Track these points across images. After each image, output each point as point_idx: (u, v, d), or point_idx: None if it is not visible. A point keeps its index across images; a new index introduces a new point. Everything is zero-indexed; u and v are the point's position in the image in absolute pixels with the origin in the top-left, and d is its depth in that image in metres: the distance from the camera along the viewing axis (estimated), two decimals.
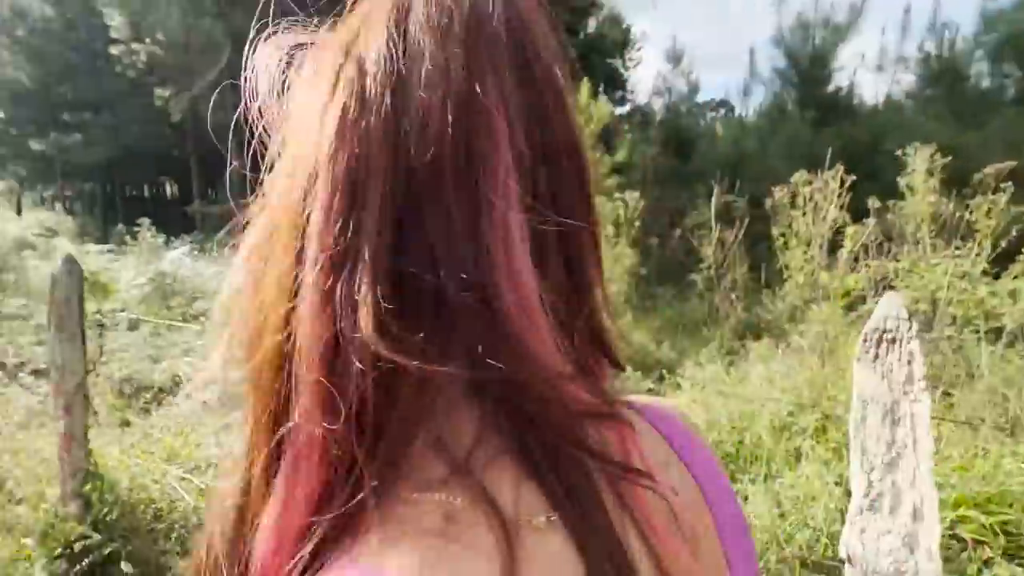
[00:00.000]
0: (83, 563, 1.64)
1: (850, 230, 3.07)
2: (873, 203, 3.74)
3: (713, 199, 5.13)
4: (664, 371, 3.34)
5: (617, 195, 4.25)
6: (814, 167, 3.92)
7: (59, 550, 1.65)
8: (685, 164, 9.64)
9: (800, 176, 3.95)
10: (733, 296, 4.47)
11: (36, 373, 3.88)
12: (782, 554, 1.28)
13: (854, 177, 3.76)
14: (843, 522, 1.34)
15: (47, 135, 17.31)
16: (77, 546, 1.64)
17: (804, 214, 3.74)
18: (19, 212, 13.36)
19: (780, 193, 4.17)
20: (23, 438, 2.44)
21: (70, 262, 1.57)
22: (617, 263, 4.05)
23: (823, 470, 1.48)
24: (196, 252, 8.03)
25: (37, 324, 5.18)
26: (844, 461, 1.55)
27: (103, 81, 17.77)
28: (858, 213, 3.88)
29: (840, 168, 3.74)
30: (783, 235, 4.11)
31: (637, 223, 4.33)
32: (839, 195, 3.74)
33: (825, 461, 1.59)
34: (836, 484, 1.43)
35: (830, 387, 1.97)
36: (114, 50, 15.58)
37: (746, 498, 1.53)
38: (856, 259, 3.21)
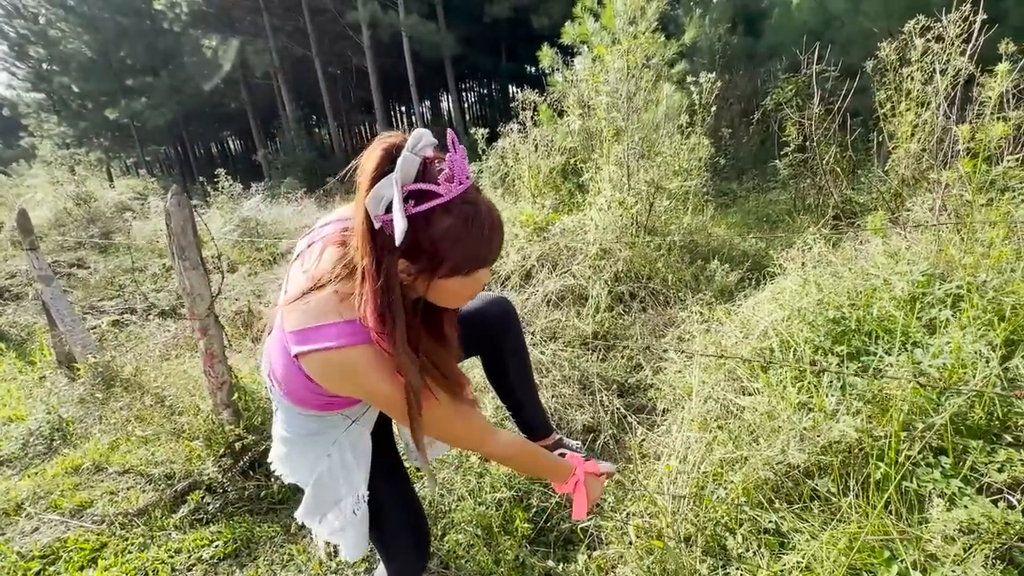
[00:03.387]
0: (244, 459, 1.89)
1: (986, 78, 2.58)
2: (1007, 48, 3.10)
3: (802, 73, 4.50)
4: (753, 262, 3.16)
5: (691, 77, 3.82)
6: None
7: (222, 450, 1.90)
8: (756, 42, 8.47)
9: (914, 24, 3.33)
10: (826, 178, 4.04)
11: (162, 315, 4.39)
12: (929, 421, 1.21)
13: (983, 16, 3.10)
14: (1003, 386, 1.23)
15: (118, 103, 18.21)
16: (237, 446, 1.89)
17: (921, 68, 3.19)
18: (111, 179, 14.53)
19: (887, 49, 3.56)
20: (167, 366, 2.78)
21: (177, 194, 1.66)
22: (692, 154, 3.74)
23: (971, 337, 1.34)
24: (268, 198, 8.43)
25: (152, 274, 5.78)
26: (996, 328, 1.40)
27: (157, 41, 18.12)
28: (987, 63, 3.25)
29: (965, 11, 3.08)
30: (890, 99, 3.56)
31: (713, 108, 3.91)
32: (965, 41, 3.12)
33: (965, 328, 1.45)
34: (992, 349, 1.31)
35: (965, 255, 1.75)
36: (158, 5, 15.62)
37: (879, 370, 1.45)
38: (990, 113, 2.73)
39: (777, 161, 4.95)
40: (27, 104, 22.19)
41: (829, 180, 2.96)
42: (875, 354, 1.51)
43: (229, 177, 7.61)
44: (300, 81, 20.38)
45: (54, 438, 2.35)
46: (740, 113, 7.03)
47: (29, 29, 18.75)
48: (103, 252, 7.49)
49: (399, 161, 0.65)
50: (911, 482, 1.24)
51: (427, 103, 30.54)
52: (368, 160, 0.68)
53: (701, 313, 2.43)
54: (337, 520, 0.95)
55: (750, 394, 1.74)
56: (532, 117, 4.81)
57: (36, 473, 2.11)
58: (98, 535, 1.69)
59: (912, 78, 3.35)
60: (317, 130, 29.35)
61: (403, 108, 31.10)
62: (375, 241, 0.68)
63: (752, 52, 7.94)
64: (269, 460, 1.00)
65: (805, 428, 1.41)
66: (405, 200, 0.66)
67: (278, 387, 0.86)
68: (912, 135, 3.42)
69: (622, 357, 2.47)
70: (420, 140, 0.68)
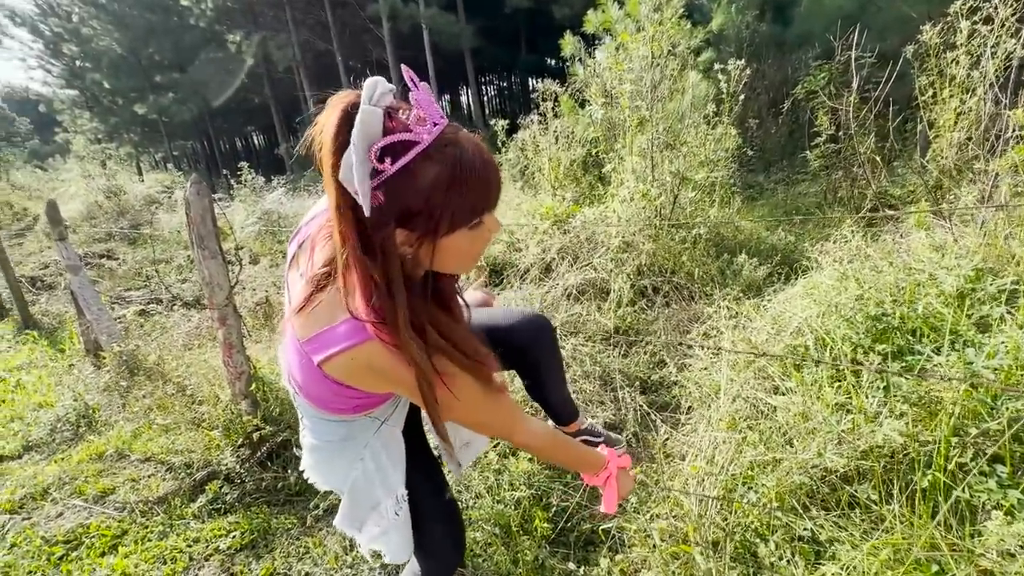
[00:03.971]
0: (262, 450, 1.89)
1: None
2: None
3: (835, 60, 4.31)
4: (781, 256, 3.04)
5: (718, 65, 3.69)
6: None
7: (240, 440, 1.90)
8: (785, 30, 8.18)
9: (960, 5, 3.14)
10: (860, 169, 3.87)
11: (186, 305, 4.46)
12: (984, 427, 1.12)
13: None
14: None
15: (147, 99, 18.66)
16: (255, 436, 1.89)
17: (968, 52, 3.01)
18: (140, 174, 14.92)
19: (929, 33, 3.37)
20: (190, 355, 2.81)
21: (197, 183, 1.65)
22: (719, 145, 3.62)
23: None
24: (290, 191, 8.53)
25: (177, 265, 5.89)
26: None
27: (183, 37, 18.48)
28: None
29: None
30: (932, 85, 3.38)
31: (742, 97, 3.77)
32: (1020, 21, 2.93)
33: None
34: None
35: (1018, 250, 1.63)
36: (184, 0, 15.88)
37: (923, 369, 1.35)
38: None
39: (807, 152, 4.77)
40: (62, 101, 22.94)
41: (867, 170, 2.82)
42: (921, 354, 1.41)
43: (252, 170, 7.71)
44: (322, 75, 20.56)
45: (80, 425, 2.39)
46: (768, 103, 6.81)
47: (63, 27, 19.32)
48: (132, 244, 7.68)
49: (357, 117, 0.56)
50: (963, 491, 1.15)
51: (447, 97, 30.54)
52: (326, 129, 0.58)
53: (728, 308, 2.34)
54: (378, 526, 0.91)
55: (782, 394, 1.66)
56: (553, 108, 4.73)
57: (62, 459, 2.14)
58: (119, 522, 1.70)
59: (957, 63, 3.17)
60: None
61: None
62: (359, 220, 0.60)
63: (781, 40, 7.67)
64: (301, 469, 0.97)
65: (843, 431, 1.32)
66: (379, 159, 0.58)
67: (303, 396, 0.81)
68: (956, 123, 3.24)
69: (645, 353, 2.39)
70: (375, 88, 0.59)
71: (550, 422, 1.60)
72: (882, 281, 1.72)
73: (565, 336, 2.50)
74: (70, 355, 3.49)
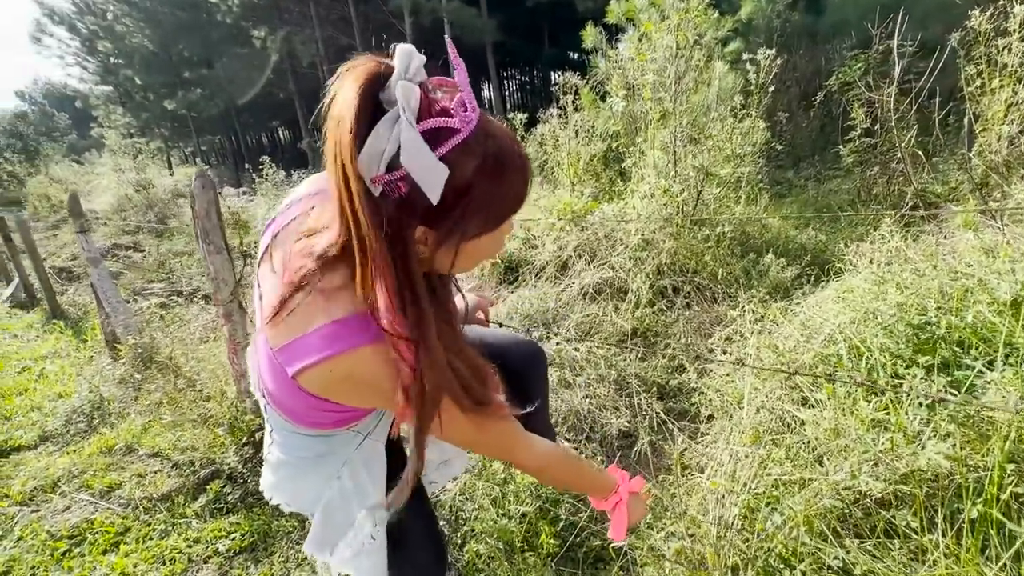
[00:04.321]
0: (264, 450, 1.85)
1: None
2: None
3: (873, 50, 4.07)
4: (811, 256, 2.88)
5: (747, 55, 3.52)
6: None
7: (244, 439, 1.87)
8: (818, 19, 7.84)
9: None
10: (899, 165, 3.66)
11: (205, 298, 4.51)
12: None
13: None
14: None
15: (176, 94, 19.11)
16: (258, 435, 1.85)
17: (1021, 38, 2.79)
18: (170, 168, 15.28)
19: (978, 19, 3.15)
20: (204, 348, 2.82)
21: (202, 176, 1.61)
22: (747, 139, 3.46)
23: None
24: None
25: (199, 258, 5.98)
26: None
27: (211, 34, 18.85)
28: None
29: None
30: (980, 75, 3.16)
31: (771, 89, 3.59)
32: None
33: None
34: None
35: None
36: None
37: (972, 386, 1.22)
38: None
39: (840, 147, 4.55)
40: (97, 97, 23.68)
41: (908, 166, 2.64)
42: (971, 368, 1.28)
43: (274, 165, 7.78)
44: None
45: (94, 416, 2.41)
46: (799, 96, 6.53)
47: (98, 25, 19.91)
48: (159, 236, 7.84)
49: (399, 92, 0.49)
50: (1019, 524, 1.03)
51: None
52: (344, 103, 0.49)
53: (753, 312, 2.21)
54: (350, 547, 0.82)
55: (811, 406, 1.54)
56: (573, 101, 4.61)
57: (74, 451, 2.15)
58: (123, 518, 1.69)
59: (1009, 50, 2.95)
60: None
61: None
62: (380, 213, 0.51)
63: (814, 30, 7.35)
64: (261, 488, 0.88)
65: (881, 451, 1.21)
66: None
67: (275, 408, 0.73)
68: (1006, 115, 3.02)
69: (663, 357, 2.28)
70: (410, 59, 0.51)
71: None
72: (925, 286, 1.58)
73: (580, 337, 2.41)
74: (91, 346, 3.55)
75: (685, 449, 1.78)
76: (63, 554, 1.57)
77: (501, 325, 1.44)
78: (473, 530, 1.44)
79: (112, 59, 20.58)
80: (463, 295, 1.09)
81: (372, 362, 0.58)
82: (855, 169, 4.49)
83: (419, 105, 0.50)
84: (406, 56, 0.51)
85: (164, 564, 1.49)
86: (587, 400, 1.98)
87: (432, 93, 0.53)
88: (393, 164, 0.50)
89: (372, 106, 0.50)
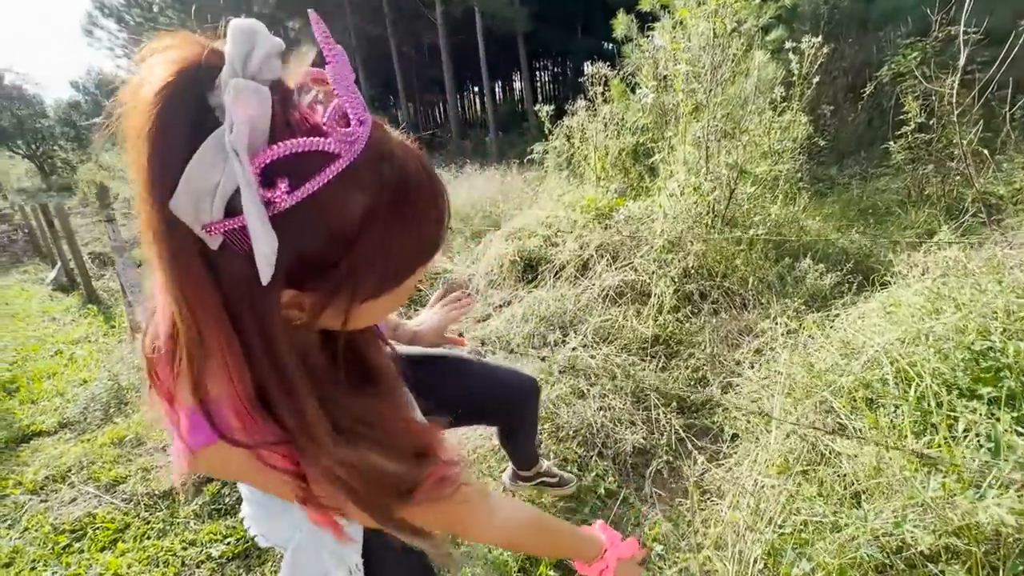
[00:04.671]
0: None
1: None
2: None
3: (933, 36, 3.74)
4: (854, 263, 2.66)
5: (790, 43, 3.28)
6: None
7: None
8: (869, 6, 7.35)
9: None
10: (957, 163, 3.36)
11: None
12: None
13: None
14: None
15: None
16: None
17: None
18: None
19: None
20: None
21: None
22: (786, 134, 3.23)
23: None
24: None
25: None
26: None
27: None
28: None
29: None
30: None
31: (816, 80, 3.34)
32: None
33: None
34: None
35: None
36: None
37: None
38: None
39: (890, 143, 4.23)
40: None
41: (970, 164, 2.39)
42: None
43: None
44: (375, 61, 20.87)
45: (111, 405, 2.44)
46: (846, 87, 6.14)
47: (143, 17, 20.61)
48: None
49: (228, 98, 0.32)
50: None
51: (499, 83, 30.31)
52: (143, 109, 0.32)
53: (787, 323, 2.04)
54: None
55: (849, 436, 1.38)
56: (603, 93, 4.43)
57: (88, 440, 2.17)
58: (124, 514, 1.68)
59: None
60: (393, 110, 30.15)
61: (475, 88, 31.08)
62: (216, 279, 0.36)
63: (864, 17, 6.90)
64: (241, 516, 0.81)
65: (932, 497, 1.05)
66: (267, 183, 0.34)
67: None
68: None
69: (686, 368, 2.14)
70: (251, 43, 0.34)
71: (510, 467, 1.45)
72: (987, 304, 1.39)
73: (597, 343, 2.29)
74: (118, 332, 3.63)
75: (705, 472, 1.64)
76: (63, 549, 1.56)
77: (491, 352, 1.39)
78: (469, 554, 1.35)
79: None
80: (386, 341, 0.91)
81: (230, 461, 0.44)
82: (906, 167, 4.18)
83: (274, 118, 0.34)
84: (246, 38, 0.34)
85: (158, 566, 1.46)
86: (601, 412, 1.86)
87: (297, 98, 0.38)
88: (236, 205, 0.34)
89: (190, 113, 0.33)
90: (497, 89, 30.95)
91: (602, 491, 1.59)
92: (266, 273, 0.34)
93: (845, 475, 1.30)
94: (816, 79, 3.39)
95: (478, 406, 1.07)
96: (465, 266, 3.71)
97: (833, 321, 2.03)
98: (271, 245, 0.34)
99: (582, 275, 2.91)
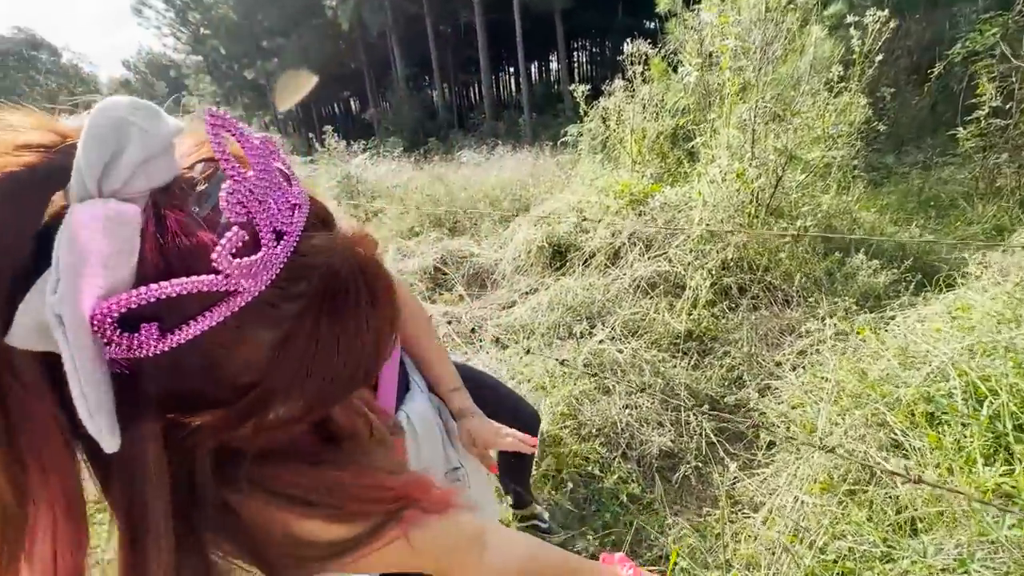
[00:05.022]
0: None
1: None
2: None
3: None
4: (913, 260, 2.44)
5: (851, 18, 3.00)
6: None
7: None
8: None
9: None
10: None
11: None
12: None
13: None
14: None
15: (255, 63, 20.01)
16: None
17: None
18: None
19: None
20: None
21: None
22: (842, 117, 2.98)
23: None
24: (373, 156, 8.67)
25: None
26: None
27: (287, 4, 19.43)
28: None
29: None
30: None
31: (878, 58, 3.06)
32: None
33: None
34: None
35: None
36: None
37: None
38: None
39: (958, 128, 3.88)
40: (188, 66, 25.30)
41: None
42: None
43: (335, 134, 7.88)
44: (412, 40, 20.76)
45: None
46: (909, 68, 5.68)
47: None
48: None
49: (57, 242, 0.24)
50: None
51: (535, 63, 29.73)
52: None
53: (836, 324, 1.88)
54: None
55: (906, 454, 1.24)
56: (642, 73, 4.21)
57: None
58: None
59: None
60: (428, 90, 30.09)
61: (511, 68, 30.60)
62: (56, 418, 0.27)
63: None
64: None
65: (1008, 535, 0.92)
66: (126, 327, 0.26)
67: None
68: None
69: (720, 367, 2.01)
70: (119, 146, 0.26)
71: (509, 499, 1.37)
72: None
73: (626, 337, 2.18)
74: None
75: (737, 481, 1.53)
76: None
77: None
78: None
79: (201, 29, 21.80)
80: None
81: None
82: (975, 156, 3.82)
83: (143, 246, 0.26)
84: (109, 137, 0.25)
85: None
86: (627, 411, 1.76)
87: (187, 204, 0.27)
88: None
89: (24, 240, 0.25)
90: (533, 69, 30.39)
91: (624, 496, 1.50)
92: (95, 429, 0.25)
93: (899, 498, 1.17)
94: (879, 57, 3.11)
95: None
96: (492, 250, 3.63)
97: (887, 324, 1.85)
98: (86, 405, 0.25)
99: (612, 264, 2.78)
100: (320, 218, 0.32)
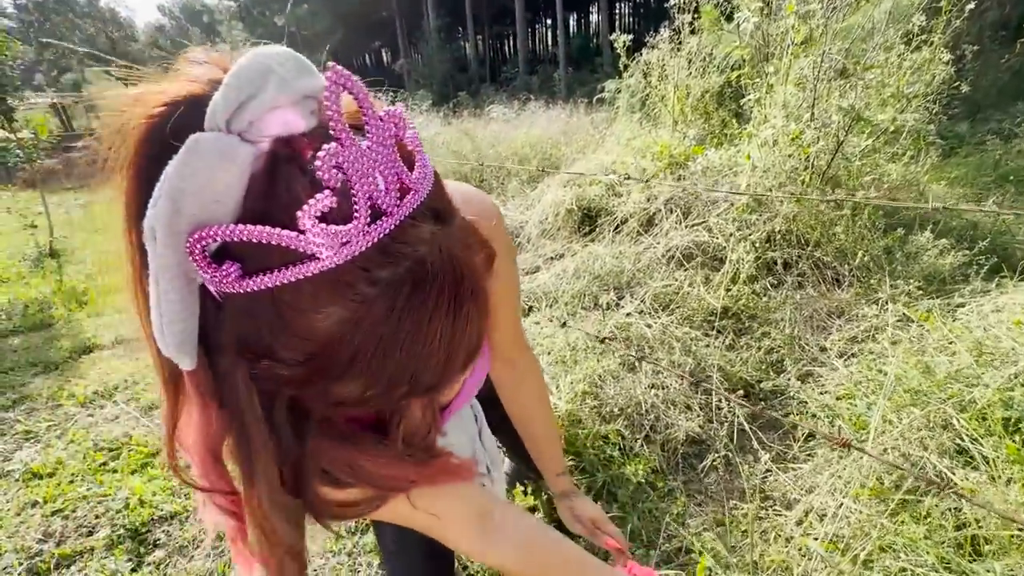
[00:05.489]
0: None
1: None
2: None
3: None
4: (989, 241, 2.18)
5: None
6: None
7: None
8: None
9: None
10: None
11: None
12: None
13: None
14: None
15: (284, 10, 19.62)
16: None
17: None
18: None
19: None
20: None
21: None
22: (918, 75, 2.63)
23: None
24: (404, 109, 8.42)
25: None
26: None
27: None
28: None
29: None
30: None
31: (970, 6, 2.67)
32: None
33: None
34: None
35: None
36: None
37: None
38: None
39: None
40: (221, 12, 25.04)
41: None
42: None
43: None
44: None
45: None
46: (998, 23, 5.05)
47: None
48: None
49: (175, 160, 0.25)
50: None
51: (573, 14, 28.19)
52: (130, 140, 0.29)
53: (901, 311, 1.68)
54: None
55: (972, 463, 1.09)
56: (691, 23, 3.84)
57: (137, 359, 2.24)
58: (158, 438, 1.69)
59: None
60: (461, 41, 29.03)
61: (548, 20, 29.14)
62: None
63: None
64: None
65: None
66: (216, 259, 0.27)
67: None
68: None
69: (758, 348, 1.85)
70: (255, 90, 0.27)
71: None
72: None
73: (656, 311, 2.03)
74: None
75: (769, 473, 1.41)
76: (100, 466, 1.60)
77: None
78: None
79: None
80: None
81: None
82: None
83: (249, 189, 0.27)
84: (246, 82, 0.27)
85: (179, 498, 1.46)
86: (652, 391, 1.64)
87: (302, 162, 0.27)
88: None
89: (154, 166, 0.27)
90: (572, 21, 28.83)
91: (643, 480, 1.40)
92: (162, 343, 0.29)
93: (962, 512, 1.03)
94: (970, 5, 2.72)
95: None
96: (519, 212, 3.47)
97: (955, 311, 1.65)
98: (160, 319, 0.28)
99: (646, 231, 2.60)
100: (434, 209, 0.31)
